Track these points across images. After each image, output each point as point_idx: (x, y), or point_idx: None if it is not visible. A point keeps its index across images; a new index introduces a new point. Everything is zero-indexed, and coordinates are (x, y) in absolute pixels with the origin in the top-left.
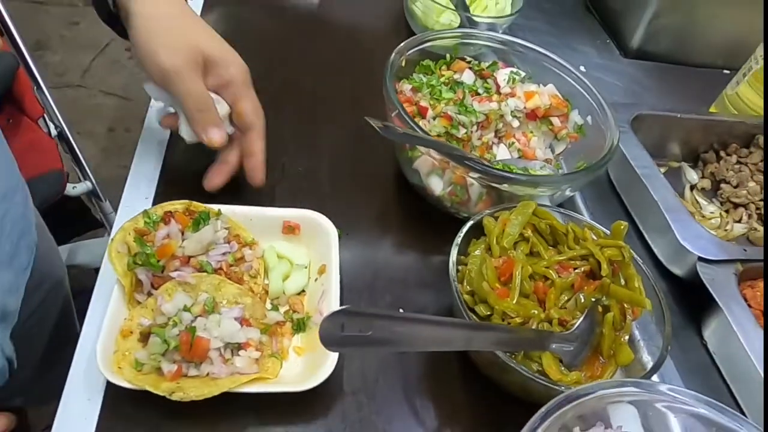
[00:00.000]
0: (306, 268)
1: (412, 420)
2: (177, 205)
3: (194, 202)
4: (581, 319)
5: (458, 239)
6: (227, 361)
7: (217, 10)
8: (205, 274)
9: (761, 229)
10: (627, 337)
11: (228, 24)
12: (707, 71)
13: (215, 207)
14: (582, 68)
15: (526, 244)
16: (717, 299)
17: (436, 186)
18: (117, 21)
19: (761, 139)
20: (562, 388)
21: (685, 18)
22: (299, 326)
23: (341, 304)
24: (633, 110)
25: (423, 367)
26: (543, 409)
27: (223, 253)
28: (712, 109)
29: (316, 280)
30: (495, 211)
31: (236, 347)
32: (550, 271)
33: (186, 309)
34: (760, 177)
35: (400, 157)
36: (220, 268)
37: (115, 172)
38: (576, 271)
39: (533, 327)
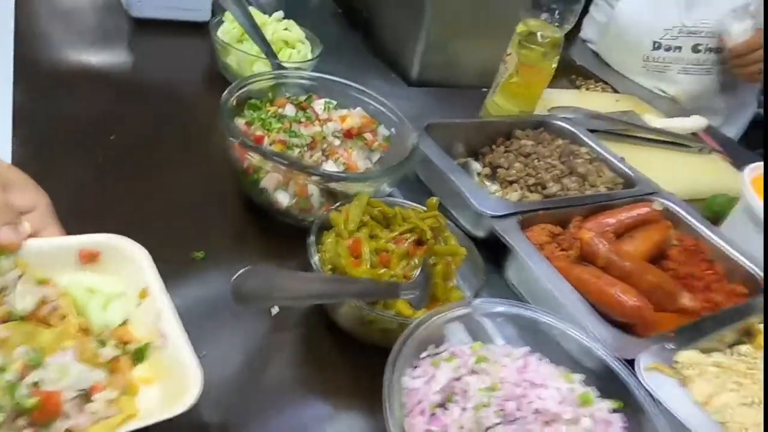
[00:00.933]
0: (123, 295)
1: (297, 404)
2: None
3: None
4: (418, 271)
5: (312, 233)
6: (83, 411)
7: (30, 92)
8: (14, 323)
9: (530, 195)
10: (454, 282)
11: (43, 103)
12: (471, 90)
13: None
14: None
15: (367, 228)
16: (510, 242)
17: (283, 199)
18: None
19: (517, 132)
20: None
21: (447, 52)
22: (138, 356)
23: (183, 323)
24: (425, 120)
25: (298, 357)
26: (404, 334)
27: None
28: (480, 115)
29: (138, 305)
30: (337, 206)
31: (85, 394)
32: (390, 245)
33: (2, 370)
34: (523, 158)
35: (246, 182)
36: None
37: None
38: (408, 241)
39: None
